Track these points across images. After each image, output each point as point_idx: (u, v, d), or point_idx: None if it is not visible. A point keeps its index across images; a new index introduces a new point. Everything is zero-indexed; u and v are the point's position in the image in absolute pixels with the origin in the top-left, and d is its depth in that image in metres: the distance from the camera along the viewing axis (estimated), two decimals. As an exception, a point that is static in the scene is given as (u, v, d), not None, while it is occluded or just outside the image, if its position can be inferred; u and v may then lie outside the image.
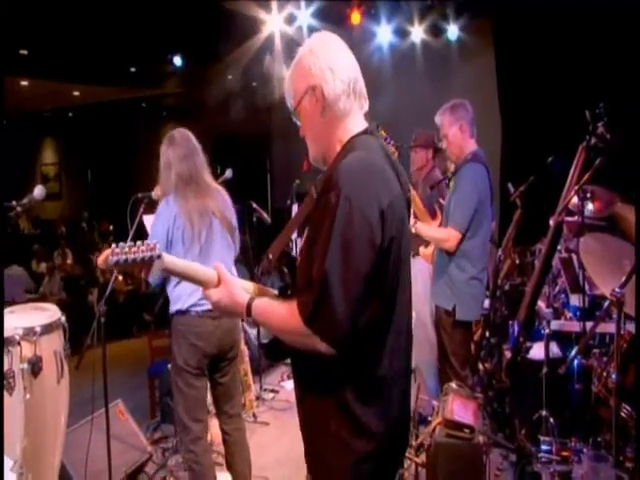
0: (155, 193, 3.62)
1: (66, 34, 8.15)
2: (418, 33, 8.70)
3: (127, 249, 1.59)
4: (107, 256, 1.58)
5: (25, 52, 9.29)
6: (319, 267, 1.57)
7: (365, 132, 1.80)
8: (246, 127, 10.95)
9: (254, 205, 5.55)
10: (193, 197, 3.22)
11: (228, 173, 4.17)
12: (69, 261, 11.40)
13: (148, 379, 5.28)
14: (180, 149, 3.28)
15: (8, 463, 2.47)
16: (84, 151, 16.30)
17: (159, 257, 1.64)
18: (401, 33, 8.77)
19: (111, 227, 13.73)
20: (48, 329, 3.16)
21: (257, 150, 12.53)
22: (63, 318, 3.33)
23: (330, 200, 1.59)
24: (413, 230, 3.61)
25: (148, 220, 3.79)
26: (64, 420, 3.32)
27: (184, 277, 1.79)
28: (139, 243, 1.61)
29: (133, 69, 11.13)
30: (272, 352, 1.87)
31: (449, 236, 3.72)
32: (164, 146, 3.34)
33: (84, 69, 10.29)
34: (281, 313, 1.68)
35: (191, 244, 3.18)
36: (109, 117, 15.00)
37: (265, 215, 5.56)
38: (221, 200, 3.39)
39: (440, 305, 3.88)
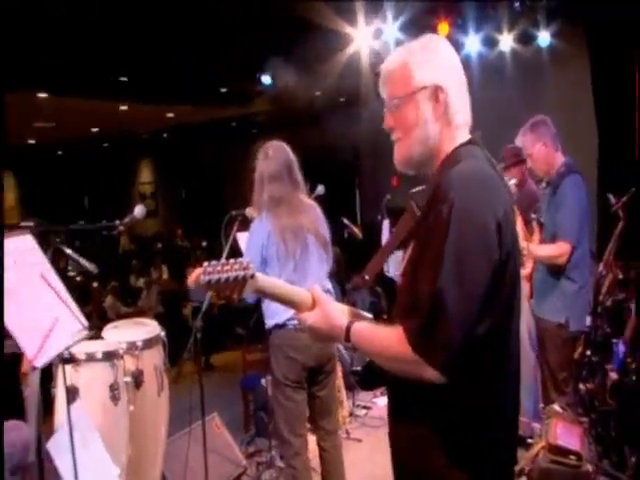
0: (249, 211, 3.68)
1: (161, 60, 8.52)
2: (507, 41, 8.48)
3: (219, 268, 1.49)
4: (198, 275, 1.49)
5: (125, 79, 9.78)
6: (429, 288, 1.43)
7: (470, 142, 1.65)
8: (335, 143, 11.04)
9: (345, 221, 5.55)
10: (285, 216, 3.24)
11: (320, 189, 4.19)
12: (165, 276, 11.78)
13: (242, 392, 5.36)
14: (273, 165, 3.30)
15: (115, 471, 2.55)
16: (178, 170, 16.92)
17: (252, 277, 1.53)
18: (490, 42, 8.58)
19: (204, 244, 14.11)
20: (149, 344, 3.29)
21: (346, 166, 12.60)
22: (162, 333, 3.44)
23: (441, 213, 1.45)
24: (525, 252, 3.61)
25: (242, 238, 3.86)
26: (164, 431, 3.43)
27: (277, 299, 1.70)
28: (232, 261, 1.52)
29: (223, 89, 11.45)
30: (366, 380, 1.77)
31: (562, 251, 3.70)
32: (259, 159, 3.37)
33: (177, 92, 10.70)
34: (384, 338, 1.54)
35: (285, 261, 3.20)
36: (201, 137, 15.51)
37: (356, 230, 5.56)
38: (314, 216, 3.40)
39: (550, 319, 3.82)
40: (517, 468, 3.25)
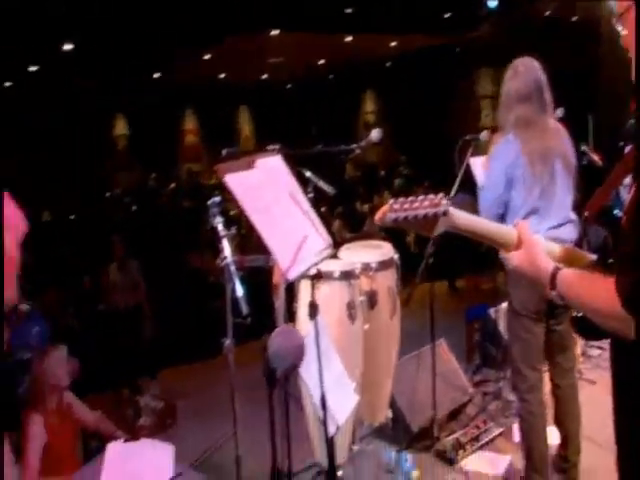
0: (484, 135, 3.50)
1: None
2: None
3: (407, 205, 1.39)
4: (385, 213, 1.40)
5: (350, 10, 9.90)
6: None
7: None
8: (567, 64, 10.13)
9: (584, 147, 5.10)
10: (534, 139, 3.01)
11: (559, 112, 3.87)
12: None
13: (466, 322, 5.30)
14: (522, 84, 3.07)
15: (350, 385, 2.67)
16: (401, 98, 16.82)
17: (445, 214, 1.41)
18: None
19: (426, 172, 14.00)
20: (383, 266, 3.35)
21: (579, 88, 11.56)
22: (396, 256, 3.47)
23: None
24: None
25: (476, 163, 3.72)
26: (395, 353, 3.51)
27: (476, 236, 1.56)
28: (421, 198, 1.40)
29: (447, 15, 11.09)
30: (586, 329, 1.60)
31: None
32: (507, 76, 3.15)
33: (401, 20, 10.57)
34: (592, 289, 1.38)
35: (532, 185, 3.01)
36: (424, 64, 15.21)
37: (596, 158, 5.09)
38: (563, 140, 3.14)
39: None
40: None
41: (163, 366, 5.51)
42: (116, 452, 1.75)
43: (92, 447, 3.55)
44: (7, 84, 12.07)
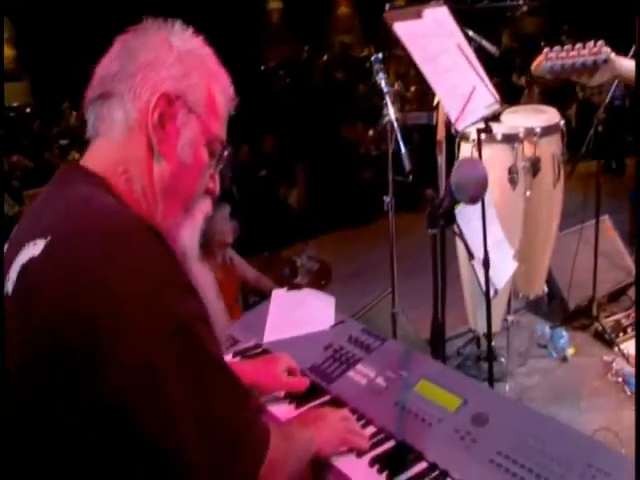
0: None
1: None
2: None
3: (564, 53, 1.39)
4: (541, 61, 1.41)
5: None
6: None
7: None
8: None
9: None
10: None
11: None
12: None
13: (632, 203, 4.90)
14: None
15: (510, 251, 2.59)
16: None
17: (606, 62, 1.38)
18: None
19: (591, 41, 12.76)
20: (547, 131, 3.12)
21: None
22: (562, 122, 3.22)
23: None
24: None
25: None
26: (556, 224, 3.34)
27: None
28: (579, 46, 1.40)
29: None
30: None
31: None
32: None
33: None
34: None
35: None
36: None
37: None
38: None
39: None
40: None
41: (317, 233, 5.70)
42: (281, 298, 1.83)
43: (251, 303, 3.79)
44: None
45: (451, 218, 1.39)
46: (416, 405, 1.32)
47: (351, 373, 1.45)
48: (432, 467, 1.19)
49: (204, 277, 1.07)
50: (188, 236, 1.07)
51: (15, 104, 12.19)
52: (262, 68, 14.23)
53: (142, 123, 0.99)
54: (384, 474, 1.18)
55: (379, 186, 3.30)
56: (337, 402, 1.40)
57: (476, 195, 1.42)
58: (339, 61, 14.30)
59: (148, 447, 0.87)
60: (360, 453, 1.23)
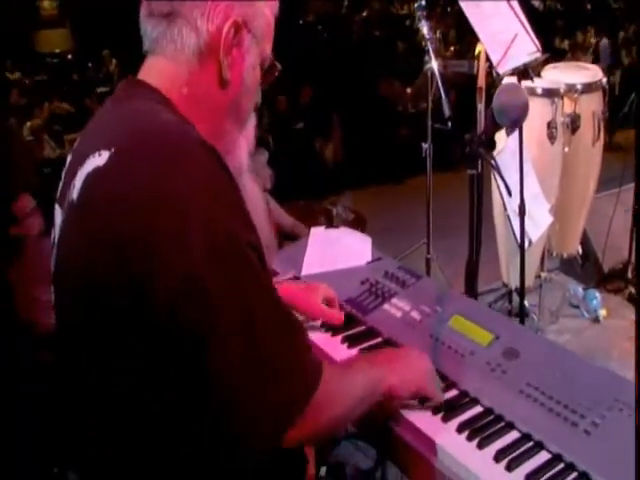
0: None
1: None
2: None
3: None
4: None
5: None
6: None
7: None
8: None
9: None
10: None
11: None
12: (593, 40, 10.88)
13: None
14: None
15: (546, 205, 2.58)
16: None
17: None
18: None
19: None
20: (588, 88, 3.08)
21: None
22: (604, 80, 3.17)
23: None
24: None
25: None
26: (593, 185, 3.31)
27: None
28: None
29: None
30: None
31: None
32: None
33: None
34: None
35: None
36: None
37: None
38: None
39: None
40: None
41: (352, 187, 5.71)
42: (319, 235, 1.87)
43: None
44: None
45: (491, 144, 1.41)
46: (449, 338, 1.35)
47: (386, 306, 1.49)
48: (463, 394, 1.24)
49: (254, 190, 1.10)
50: (243, 152, 1.11)
51: (57, 50, 12.28)
52: (300, 22, 14.04)
53: (213, 48, 1.01)
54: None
55: (415, 143, 3.30)
56: (373, 333, 1.44)
57: (517, 118, 1.44)
58: (378, 18, 14.04)
59: (196, 366, 0.88)
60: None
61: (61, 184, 1.09)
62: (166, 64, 1.04)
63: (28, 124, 6.98)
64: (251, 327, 0.91)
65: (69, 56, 12.17)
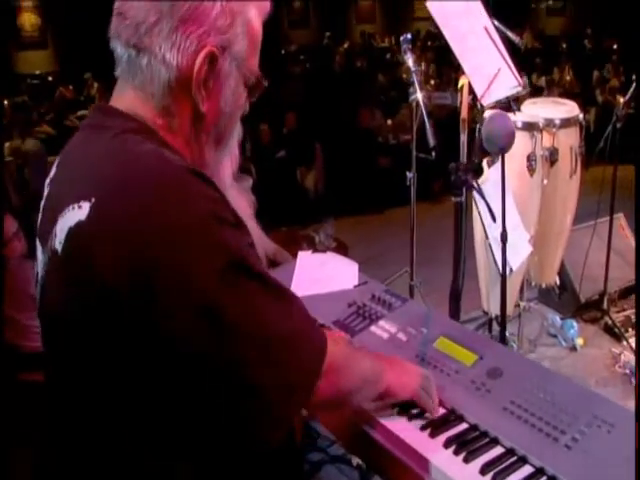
0: None
1: None
2: None
3: None
4: None
5: None
6: None
7: None
8: None
9: None
10: None
11: None
12: (568, 77, 11.17)
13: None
14: None
15: (525, 235, 2.65)
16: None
17: None
18: None
19: (615, 46, 12.69)
20: (566, 123, 3.18)
21: None
22: (581, 116, 3.28)
23: None
24: None
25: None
26: (570, 217, 3.39)
27: None
28: None
29: None
30: None
31: None
32: None
33: None
34: None
35: None
36: None
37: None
38: None
39: None
40: None
41: (335, 215, 5.75)
42: (306, 258, 1.91)
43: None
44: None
45: (479, 171, 1.47)
46: (435, 358, 1.39)
47: (373, 328, 1.53)
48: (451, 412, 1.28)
49: (241, 199, 1.13)
50: (227, 168, 1.08)
51: (38, 72, 12.30)
52: (282, 52, 14.24)
53: (184, 83, 0.95)
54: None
55: (396, 174, 3.35)
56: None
57: (505, 145, 1.49)
58: (360, 49, 14.32)
59: (213, 382, 0.89)
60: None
61: (40, 219, 1.04)
62: (138, 94, 0.98)
63: (7, 144, 6.94)
64: (258, 326, 0.91)
65: (50, 78, 12.21)
